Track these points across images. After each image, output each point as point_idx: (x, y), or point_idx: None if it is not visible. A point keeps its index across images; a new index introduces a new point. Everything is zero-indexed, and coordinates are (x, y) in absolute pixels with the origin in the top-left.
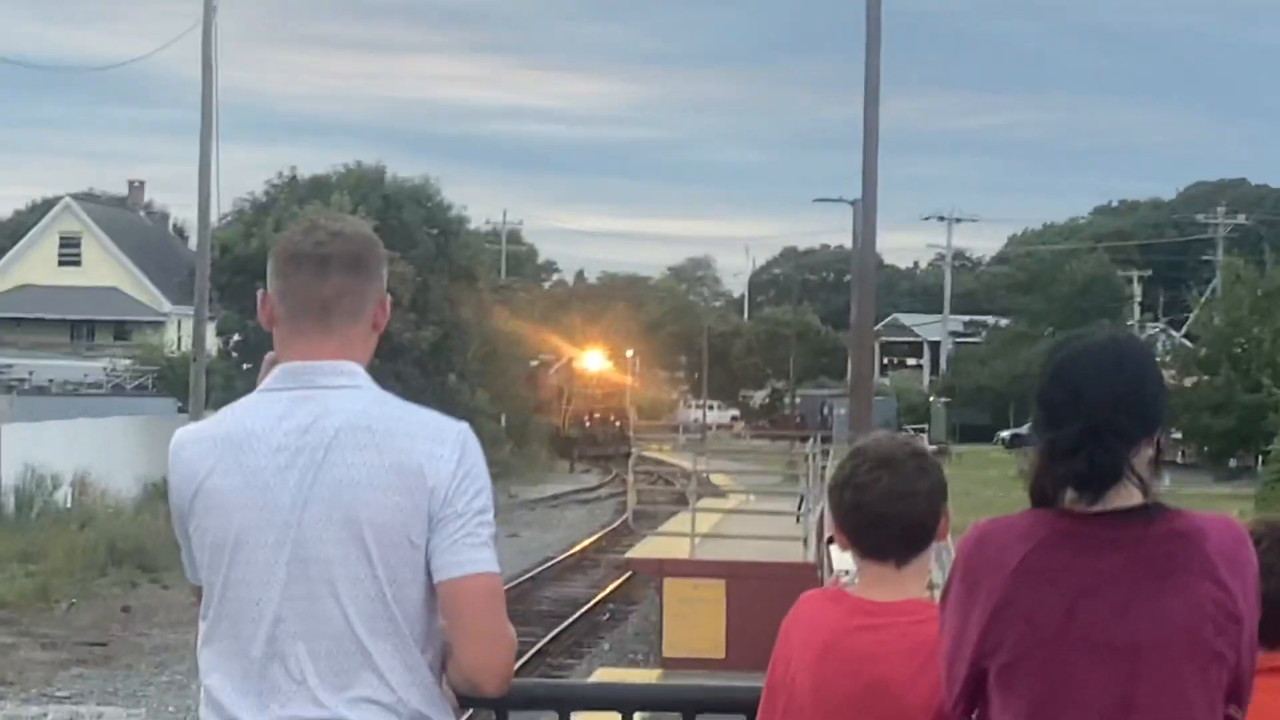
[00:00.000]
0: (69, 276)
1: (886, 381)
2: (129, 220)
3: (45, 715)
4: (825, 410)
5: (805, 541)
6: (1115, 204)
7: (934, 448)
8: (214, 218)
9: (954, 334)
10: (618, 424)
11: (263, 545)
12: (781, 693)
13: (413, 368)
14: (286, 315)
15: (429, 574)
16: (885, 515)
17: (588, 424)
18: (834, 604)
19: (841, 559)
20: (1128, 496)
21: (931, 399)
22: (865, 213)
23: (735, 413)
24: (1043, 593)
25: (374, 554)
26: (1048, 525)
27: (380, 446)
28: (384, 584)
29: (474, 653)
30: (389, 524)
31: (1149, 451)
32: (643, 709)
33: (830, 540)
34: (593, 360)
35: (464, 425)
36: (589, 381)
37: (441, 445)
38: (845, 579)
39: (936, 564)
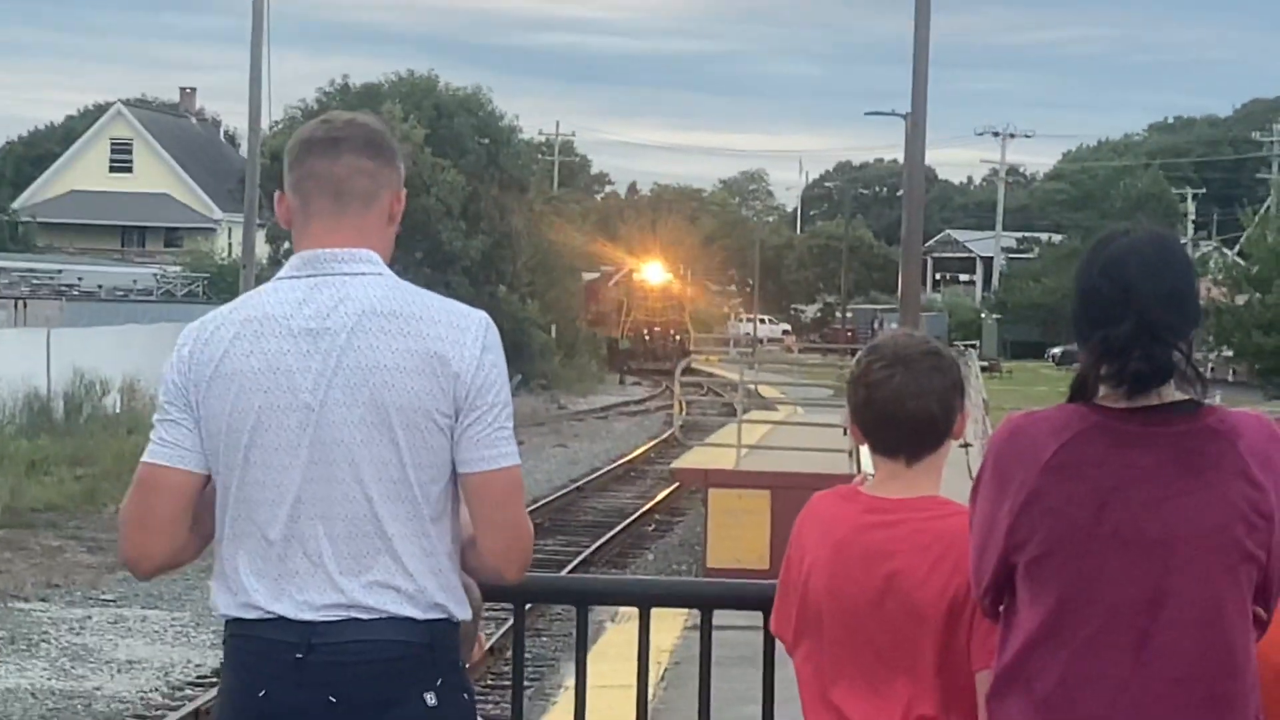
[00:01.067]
0: (120, 182)
1: (939, 297)
2: (180, 127)
3: (89, 617)
4: (876, 325)
5: (851, 454)
6: (1171, 121)
7: (985, 364)
8: (265, 125)
9: (1007, 250)
10: (677, 338)
11: (284, 428)
12: (795, 591)
13: (462, 277)
14: (300, 203)
15: (453, 462)
16: (897, 413)
17: (647, 337)
18: (846, 502)
19: (869, 461)
20: (1161, 393)
21: (983, 315)
22: (915, 126)
23: (786, 327)
24: (1074, 487)
25: (400, 437)
26: (1081, 420)
27: (404, 331)
28: (408, 468)
29: (499, 542)
30: (415, 407)
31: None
32: (659, 605)
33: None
34: (653, 272)
35: (485, 314)
36: (649, 294)
37: (465, 332)
38: (870, 481)
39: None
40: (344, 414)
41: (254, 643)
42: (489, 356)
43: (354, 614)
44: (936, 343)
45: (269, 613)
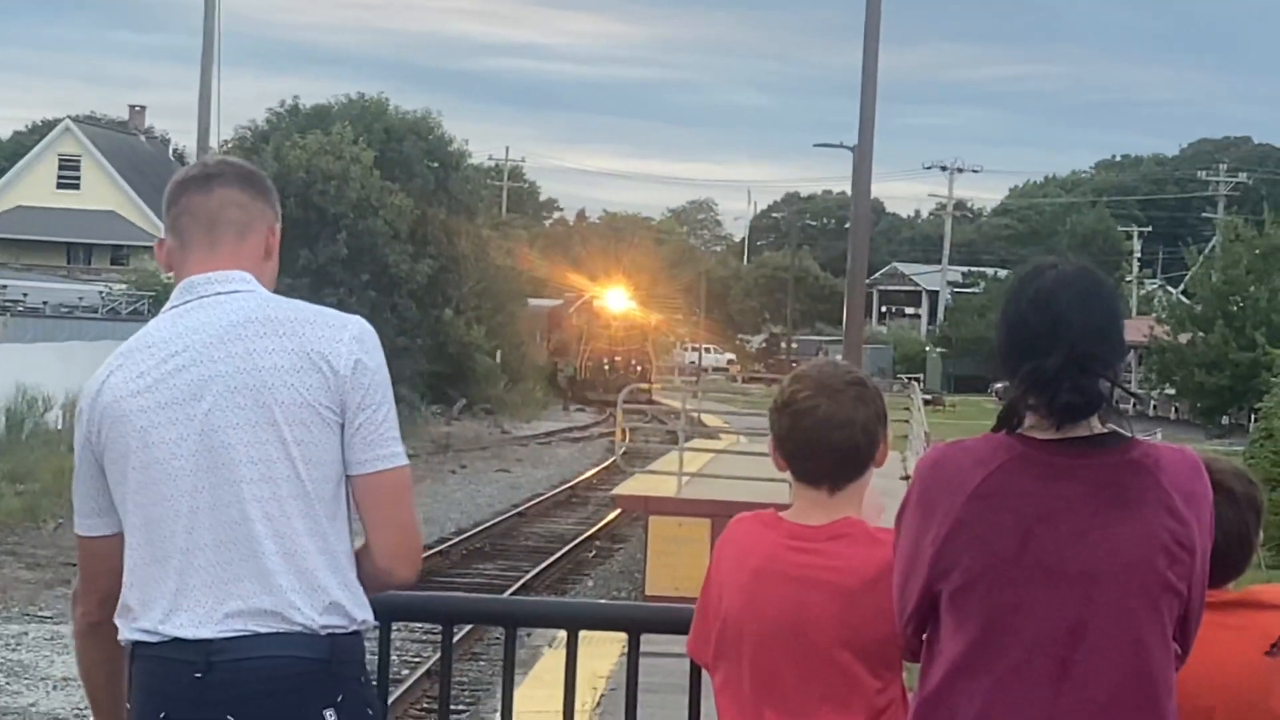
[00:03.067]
0: (67, 199)
1: (884, 330)
2: (129, 144)
3: (26, 633)
4: (820, 355)
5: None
6: (1118, 159)
7: (928, 397)
8: (214, 144)
9: (953, 284)
10: (639, 368)
11: (166, 442)
12: (714, 614)
13: (408, 300)
14: (177, 240)
15: (342, 461)
16: (820, 442)
17: (607, 367)
18: (767, 528)
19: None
20: (1088, 424)
21: (928, 348)
22: (862, 159)
23: (731, 356)
24: (998, 517)
25: (286, 434)
26: (1007, 450)
27: (281, 333)
28: (299, 464)
29: (391, 541)
30: (300, 403)
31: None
32: (586, 627)
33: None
34: (614, 300)
35: (362, 319)
36: (610, 322)
37: (343, 331)
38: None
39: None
40: (227, 418)
41: (154, 664)
42: (369, 357)
43: (252, 626)
44: (860, 372)
45: (165, 635)
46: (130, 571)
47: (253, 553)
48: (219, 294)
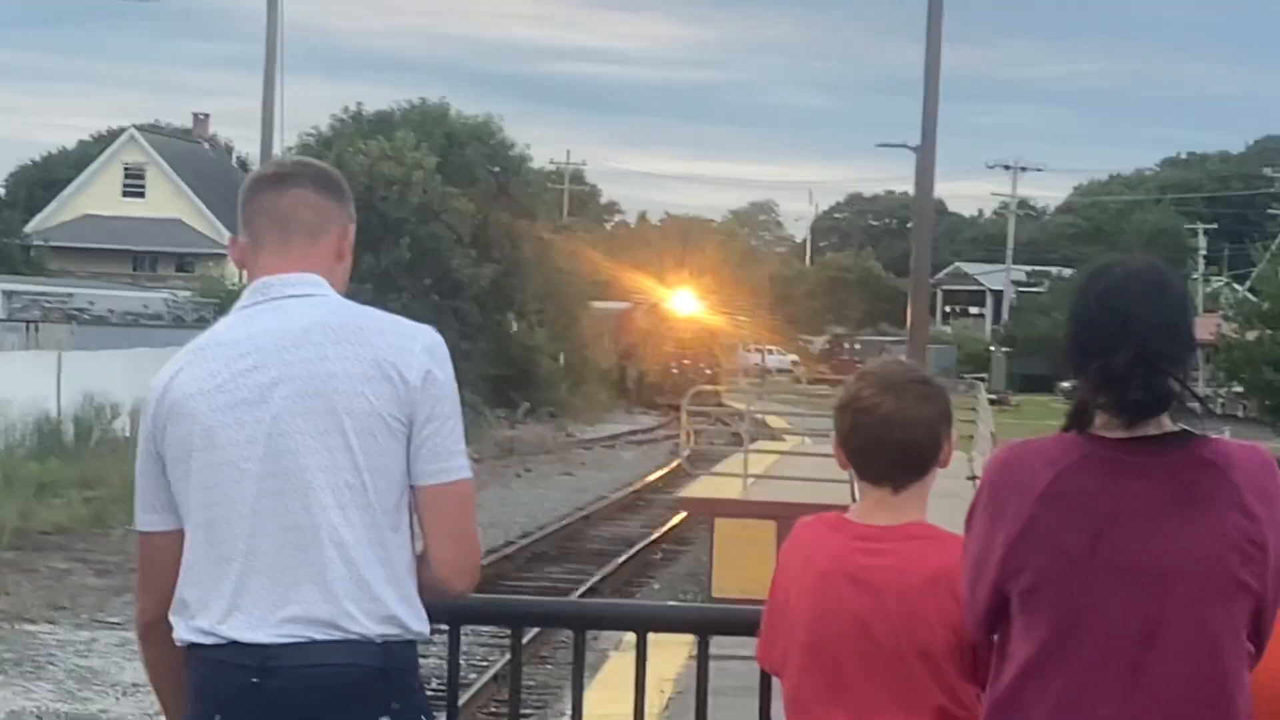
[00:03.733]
0: (132, 207)
1: (948, 330)
2: (193, 152)
3: (96, 639)
4: (884, 356)
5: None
6: (1183, 156)
7: (993, 397)
8: (278, 151)
9: (1017, 283)
10: (708, 371)
11: (232, 444)
12: (782, 619)
13: (471, 304)
14: (250, 239)
15: (407, 471)
16: (883, 440)
17: (675, 370)
18: (832, 530)
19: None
20: (1158, 423)
21: (992, 348)
22: (925, 159)
23: (795, 358)
24: (1068, 517)
25: (354, 443)
26: (1076, 449)
27: (352, 340)
28: (364, 473)
29: (451, 554)
30: (368, 412)
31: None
32: (656, 629)
33: None
34: (682, 302)
35: (432, 329)
36: (677, 325)
37: (414, 340)
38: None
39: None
40: (295, 423)
41: (210, 666)
42: (440, 368)
43: (308, 633)
44: (925, 371)
45: (222, 637)
46: (189, 570)
47: (313, 559)
48: (291, 297)
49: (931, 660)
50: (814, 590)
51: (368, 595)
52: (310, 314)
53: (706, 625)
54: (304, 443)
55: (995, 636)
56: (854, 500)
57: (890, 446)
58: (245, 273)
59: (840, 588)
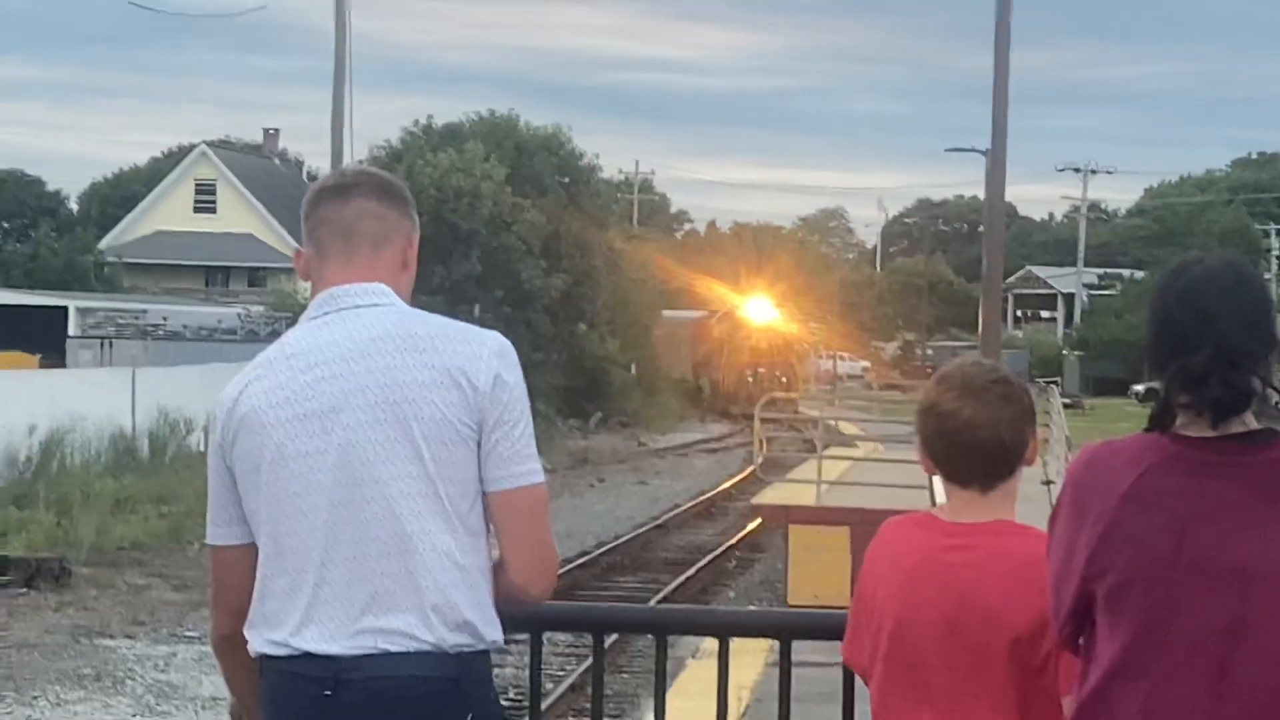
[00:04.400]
0: (204, 223)
1: (1020, 334)
2: (263, 167)
3: (175, 654)
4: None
5: (931, 490)
6: (1254, 156)
7: (1067, 401)
8: (347, 164)
9: (1088, 286)
10: (784, 379)
11: (304, 454)
12: (868, 619)
13: (542, 315)
14: (315, 250)
15: (479, 478)
16: (967, 443)
17: (751, 379)
18: (921, 528)
19: (941, 489)
20: (1241, 421)
21: (1065, 352)
22: (995, 163)
23: (866, 364)
24: (1152, 517)
25: (425, 451)
26: (1159, 449)
27: (421, 349)
28: (436, 481)
29: (524, 558)
30: (438, 419)
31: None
32: (738, 634)
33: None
34: (757, 310)
35: (499, 334)
36: (753, 333)
37: (482, 347)
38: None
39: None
40: (366, 433)
41: (283, 678)
42: (508, 373)
43: (382, 644)
44: (1005, 370)
45: (295, 649)
46: (262, 583)
47: (386, 570)
48: (358, 306)
49: (1018, 658)
50: (902, 588)
51: (442, 604)
52: (378, 324)
53: (788, 630)
54: (376, 452)
55: (1081, 639)
56: (932, 504)
57: (976, 449)
58: (310, 285)
59: (928, 585)
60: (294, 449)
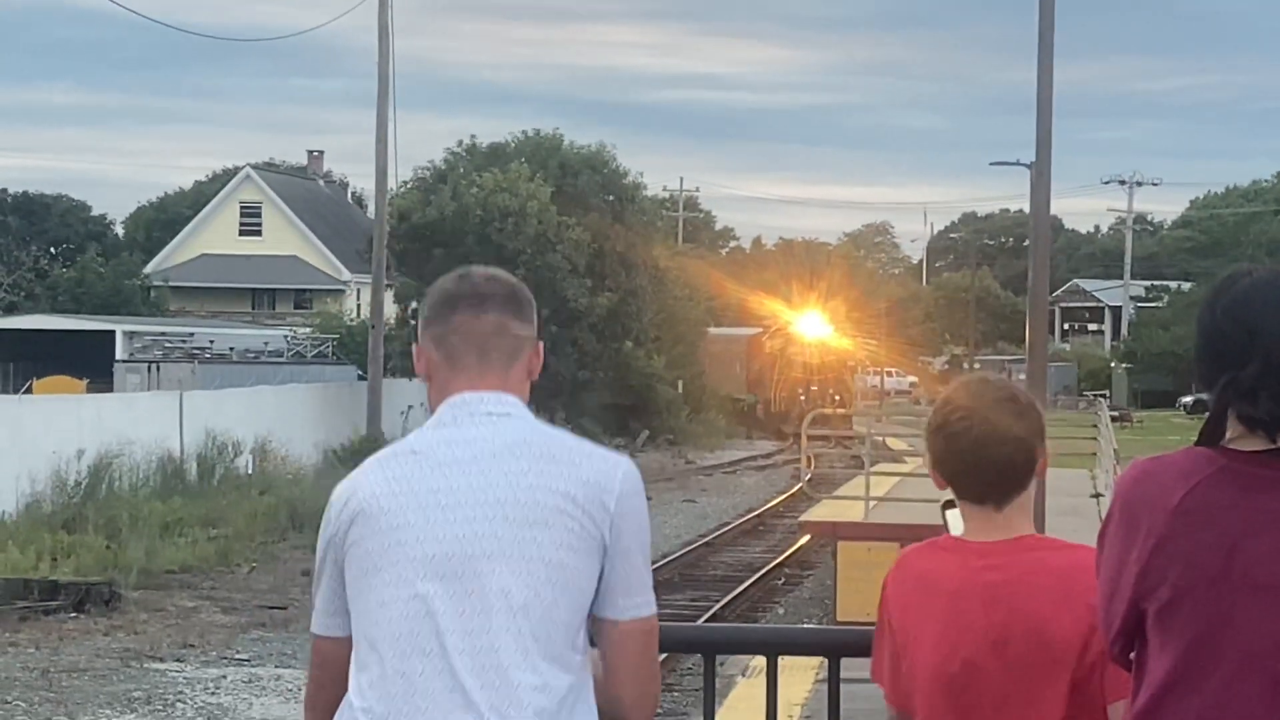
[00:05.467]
0: (249, 246)
1: (1067, 347)
2: (308, 189)
3: (224, 677)
4: (969, 374)
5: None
6: None
7: (1115, 414)
8: (392, 185)
9: (1135, 299)
10: (837, 397)
11: (415, 557)
12: (903, 652)
13: (588, 333)
14: (444, 357)
15: (593, 595)
16: (979, 462)
17: (803, 397)
18: (949, 553)
19: (956, 524)
20: None
21: (1112, 364)
22: (1040, 176)
23: (914, 379)
24: (1203, 532)
25: (544, 564)
26: (1209, 464)
27: (553, 458)
28: (552, 592)
29: (630, 690)
30: (563, 538)
31: None
32: (786, 652)
33: (948, 505)
34: (809, 326)
35: (629, 459)
36: (805, 349)
37: (616, 468)
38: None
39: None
40: (485, 544)
41: None
42: (634, 499)
43: None
44: (1013, 386)
45: None
46: (363, 675)
47: (490, 680)
48: (490, 414)
49: (1065, 670)
50: (943, 613)
51: (543, 716)
52: (510, 432)
53: (836, 648)
54: (492, 564)
55: (1132, 655)
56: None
57: (987, 467)
58: (428, 386)
59: (971, 607)
60: (407, 550)
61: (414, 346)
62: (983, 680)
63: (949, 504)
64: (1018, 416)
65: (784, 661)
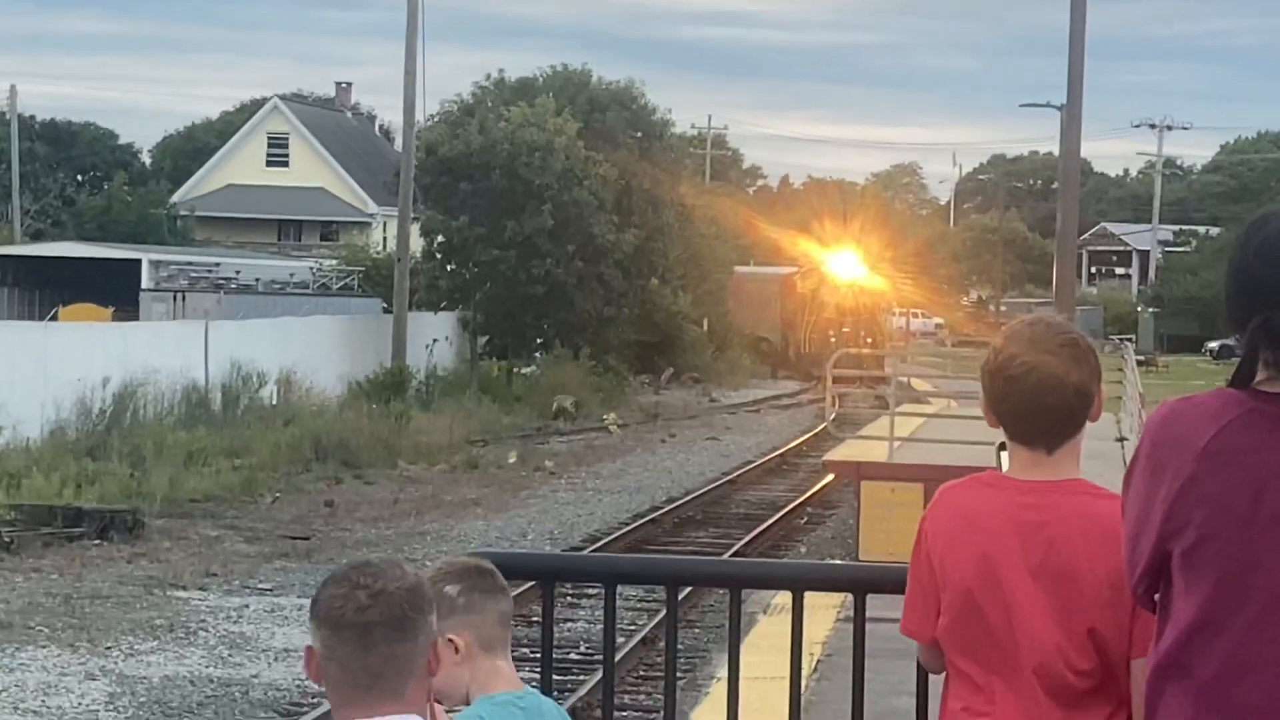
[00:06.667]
0: (276, 176)
1: (1094, 290)
2: (336, 121)
3: (247, 606)
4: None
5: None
6: None
7: (1141, 358)
8: (420, 119)
9: (1163, 243)
10: (869, 340)
11: None
12: (939, 586)
13: (614, 270)
14: (334, 680)
15: None
16: (1037, 406)
17: (833, 339)
18: (992, 489)
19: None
20: None
21: (1139, 309)
22: (1070, 118)
23: (940, 320)
24: (1231, 474)
25: None
26: (1238, 405)
27: None
28: None
29: None
30: None
31: None
32: (812, 589)
33: (1003, 446)
34: (842, 266)
35: None
36: (837, 290)
37: None
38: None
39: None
40: None
41: None
42: None
43: None
44: (1074, 330)
45: None
46: None
47: None
48: None
49: (1098, 615)
50: (981, 547)
51: None
52: None
53: (863, 584)
54: None
55: (1157, 596)
56: (997, 465)
57: (1044, 411)
58: (327, 689)
59: (1010, 544)
60: None
61: (306, 648)
62: (1019, 615)
63: (1004, 445)
64: (1076, 362)
65: (807, 600)
